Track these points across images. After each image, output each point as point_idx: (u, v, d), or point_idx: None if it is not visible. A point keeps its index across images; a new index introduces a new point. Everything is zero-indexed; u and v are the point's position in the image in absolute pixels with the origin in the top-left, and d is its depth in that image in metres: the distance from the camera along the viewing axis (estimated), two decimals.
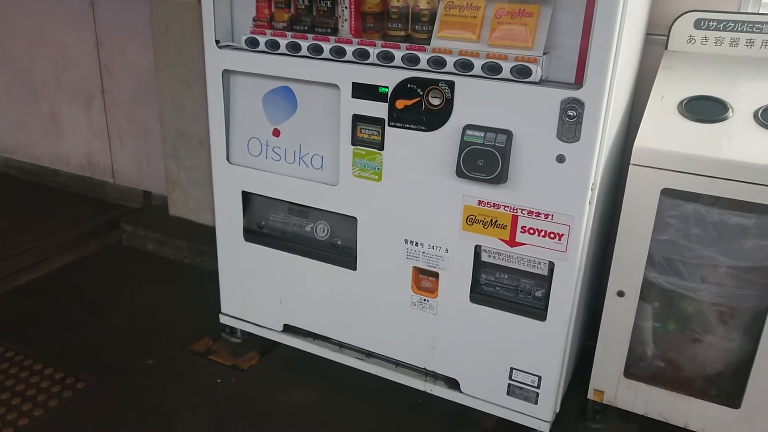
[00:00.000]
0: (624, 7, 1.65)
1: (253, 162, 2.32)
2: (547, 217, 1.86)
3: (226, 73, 2.26)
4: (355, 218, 2.17)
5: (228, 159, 2.36)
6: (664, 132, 1.92)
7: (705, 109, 1.97)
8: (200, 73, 2.88)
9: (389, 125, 1.99)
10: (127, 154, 3.94)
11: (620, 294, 2.03)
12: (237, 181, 2.36)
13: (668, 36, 2.27)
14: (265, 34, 2.14)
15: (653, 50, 2.34)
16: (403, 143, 1.99)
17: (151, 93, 3.53)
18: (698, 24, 2.23)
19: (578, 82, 1.78)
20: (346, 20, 2.02)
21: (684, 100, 2.00)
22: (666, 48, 2.28)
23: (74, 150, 4.17)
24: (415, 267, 2.12)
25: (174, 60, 3.18)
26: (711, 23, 2.21)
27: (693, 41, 2.25)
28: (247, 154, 2.33)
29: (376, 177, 2.07)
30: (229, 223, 2.45)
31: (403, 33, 1.96)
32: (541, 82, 1.78)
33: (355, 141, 2.06)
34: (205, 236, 3.28)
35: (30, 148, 4.37)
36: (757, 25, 2.16)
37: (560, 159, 1.78)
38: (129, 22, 3.54)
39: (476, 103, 1.85)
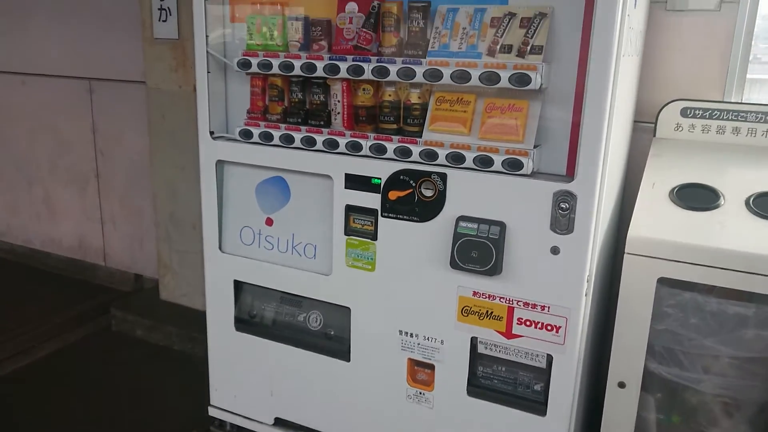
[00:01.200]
0: (612, 100, 1.68)
1: (246, 251, 2.30)
2: (543, 309, 1.83)
3: (220, 163, 2.27)
4: (348, 308, 2.13)
5: (220, 248, 2.34)
6: (657, 220, 1.91)
7: (697, 197, 1.98)
8: (194, 159, 2.90)
9: (382, 216, 1.99)
10: (120, 237, 3.92)
11: (621, 385, 1.97)
12: (229, 270, 2.34)
13: (656, 124, 2.31)
14: (259, 125, 2.17)
15: (641, 137, 2.37)
16: (396, 234, 1.98)
17: (146, 177, 3.56)
18: (684, 112, 2.27)
19: (570, 174, 1.79)
20: (338, 113, 2.05)
21: (675, 187, 2.01)
22: (654, 135, 2.31)
23: (66, 232, 4.15)
24: (410, 359, 2.07)
25: (169, 146, 3.22)
26: (697, 112, 2.26)
27: (680, 129, 2.29)
28: (239, 243, 2.31)
29: (370, 267, 2.05)
30: (220, 312, 2.40)
31: (395, 126, 1.98)
32: (533, 175, 1.79)
33: (349, 231, 2.05)
34: (195, 322, 3.21)
35: (22, 231, 4.35)
36: (742, 114, 2.20)
37: (555, 251, 1.77)
38: (126, 108, 3.60)
39: (469, 194, 1.85)
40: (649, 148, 2.24)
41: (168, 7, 2.95)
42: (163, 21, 2.98)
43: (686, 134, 2.29)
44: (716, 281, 1.81)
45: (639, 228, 1.89)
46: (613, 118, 1.71)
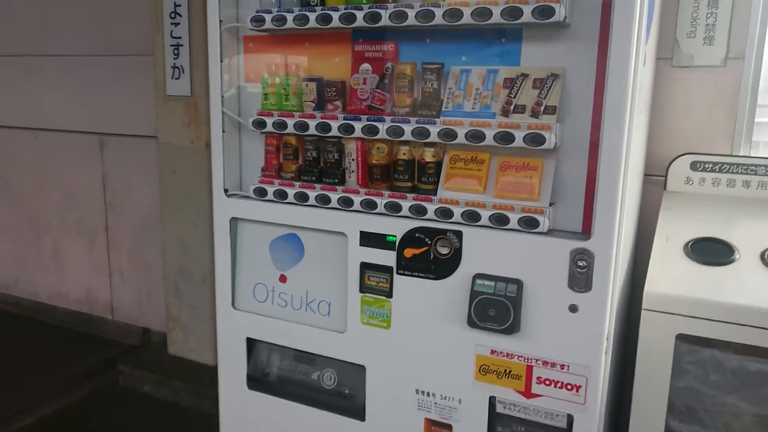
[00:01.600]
0: (627, 158, 1.70)
1: (259, 308, 2.29)
2: (563, 368, 1.81)
3: (234, 221, 2.28)
4: (363, 367, 2.11)
5: (233, 305, 2.33)
6: (673, 275, 1.91)
7: (711, 251, 1.98)
8: (205, 213, 2.92)
9: (398, 273, 1.99)
10: (128, 290, 3.91)
11: None
12: (242, 327, 2.32)
13: (666, 177, 2.33)
14: (273, 183, 2.18)
15: (652, 190, 2.39)
16: (412, 291, 1.97)
17: (155, 229, 3.57)
18: (694, 166, 2.29)
19: (586, 232, 1.80)
20: (353, 171, 2.07)
21: (689, 241, 2.02)
22: (665, 189, 2.33)
23: (74, 285, 4.14)
24: (427, 418, 2.03)
25: (180, 200, 3.23)
26: (706, 165, 2.28)
27: (691, 182, 2.31)
28: (252, 300, 2.31)
29: (385, 325, 2.04)
30: (232, 370, 2.37)
31: (409, 184, 2.00)
32: (549, 233, 1.80)
33: (363, 288, 2.05)
34: (203, 377, 3.18)
35: (29, 284, 4.34)
36: (751, 168, 2.22)
37: (573, 309, 1.76)
38: (136, 162, 3.64)
39: (485, 252, 1.86)
40: (660, 201, 2.25)
41: (181, 65, 3.01)
42: (176, 79, 3.03)
43: (697, 187, 2.30)
44: (735, 338, 1.79)
45: (655, 283, 1.88)
46: (627, 176, 1.72)
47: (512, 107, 1.79)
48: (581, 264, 1.73)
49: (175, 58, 3.02)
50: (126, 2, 3.46)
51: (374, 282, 2.03)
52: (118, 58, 3.60)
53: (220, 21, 2.16)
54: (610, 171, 1.69)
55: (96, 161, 3.82)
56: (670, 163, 2.32)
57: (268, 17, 2.04)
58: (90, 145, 3.81)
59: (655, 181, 2.40)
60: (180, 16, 2.94)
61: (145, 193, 3.64)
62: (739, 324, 1.77)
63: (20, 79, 4.02)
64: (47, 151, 4.03)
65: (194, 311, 3.34)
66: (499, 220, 1.82)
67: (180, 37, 2.97)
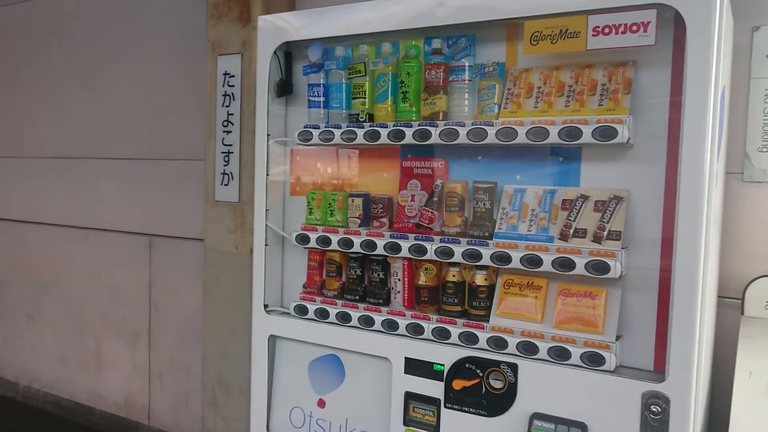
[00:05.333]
0: (704, 288, 1.53)
1: None
2: None
3: (272, 338, 2.16)
4: None
5: (268, 429, 2.17)
6: (760, 421, 1.67)
7: None
8: (248, 321, 2.82)
9: (445, 407, 1.81)
10: (166, 395, 3.79)
11: None
12: None
13: (743, 300, 2.12)
14: (314, 301, 2.08)
15: (726, 314, 2.18)
16: (461, 428, 1.79)
17: (196, 333, 3.48)
18: None
19: (658, 369, 1.61)
20: (398, 292, 1.95)
21: None
22: (742, 313, 2.11)
23: (113, 388, 4.05)
24: None
25: (222, 306, 3.16)
26: None
27: None
28: (288, 425, 2.15)
29: None
30: None
31: (459, 308, 1.86)
32: (617, 370, 1.61)
33: (407, 421, 1.87)
34: None
35: (69, 384, 4.28)
36: None
37: None
38: (183, 264, 3.62)
39: (544, 389, 1.67)
40: (736, 327, 2.04)
41: (231, 172, 3.01)
42: (225, 185, 3.03)
43: None
44: None
45: (742, 430, 1.65)
46: (705, 308, 1.54)
47: (572, 231, 1.66)
48: (655, 410, 1.53)
49: (225, 165, 3.03)
50: (181, 110, 3.55)
51: (419, 414, 1.86)
52: (172, 162, 3.65)
53: (268, 135, 2.14)
54: (685, 304, 1.52)
55: (144, 262, 3.82)
56: (747, 285, 2.11)
57: (315, 132, 2.00)
58: (139, 245, 3.83)
59: (729, 303, 2.19)
60: (232, 124, 2.98)
61: (189, 296, 3.58)
62: None
63: (82, 179, 4.12)
64: (96, 250, 4.07)
65: (230, 424, 3.18)
66: (560, 354, 1.65)
67: (231, 145, 3.00)
